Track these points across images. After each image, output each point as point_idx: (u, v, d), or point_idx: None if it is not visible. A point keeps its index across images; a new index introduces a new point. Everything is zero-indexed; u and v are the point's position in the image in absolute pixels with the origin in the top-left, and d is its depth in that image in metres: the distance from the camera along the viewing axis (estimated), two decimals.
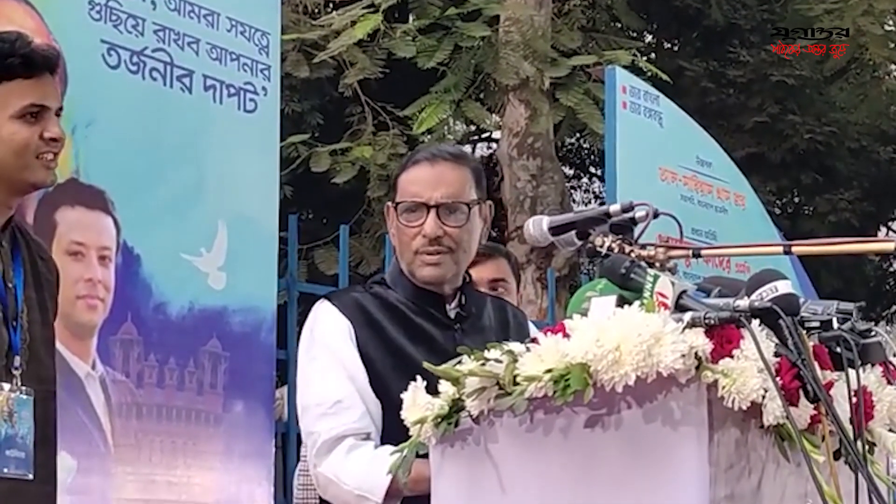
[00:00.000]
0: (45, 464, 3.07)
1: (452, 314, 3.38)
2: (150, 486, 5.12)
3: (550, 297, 8.83)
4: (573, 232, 2.86)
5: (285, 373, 6.24)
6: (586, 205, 15.73)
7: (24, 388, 3.03)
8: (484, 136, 14.29)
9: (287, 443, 6.22)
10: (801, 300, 2.64)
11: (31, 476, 3.02)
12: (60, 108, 3.12)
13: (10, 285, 3.06)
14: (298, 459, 5.74)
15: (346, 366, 3.25)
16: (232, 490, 5.42)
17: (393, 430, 2.92)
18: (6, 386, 3.00)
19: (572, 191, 16.16)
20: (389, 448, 3.00)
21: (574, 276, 10.76)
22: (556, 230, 2.88)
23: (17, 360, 3.03)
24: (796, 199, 15.62)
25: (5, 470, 2.97)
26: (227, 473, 5.39)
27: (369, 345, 3.27)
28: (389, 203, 3.42)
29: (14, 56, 3.05)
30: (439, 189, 3.32)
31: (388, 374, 3.23)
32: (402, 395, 2.80)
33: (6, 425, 2.98)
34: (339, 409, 3.21)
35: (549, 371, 2.52)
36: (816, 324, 2.66)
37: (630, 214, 2.80)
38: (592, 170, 16.78)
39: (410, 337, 3.30)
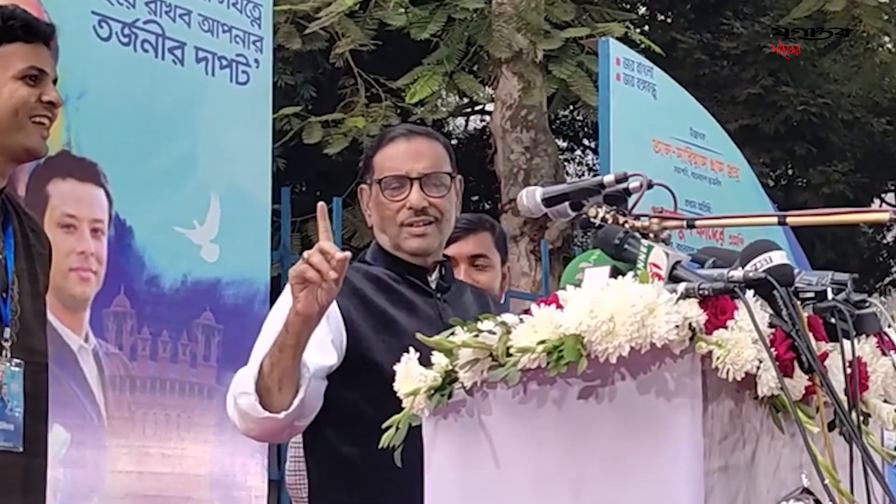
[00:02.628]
0: (35, 436, 3.07)
1: (433, 284, 3.43)
2: (144, 459, 5.12)
3: (544, 269, 8.83)
4: (567, 203, 2.85)
5: None
6: (580, 177, 15.70)
7: (14, 360, 3.03)
8: (477, 108, 14.26)
9: None
10: (796, 271, 2.63)
11: (20, 448, 3.01)
12: (55, 79, 3.16)
13: (0, 257, 3.06)
14: None
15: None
16: (225, 462, 5.42)
17: (378, 395, 2.90)
18: None
19: (566, 163, 16.13)
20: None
21: (568, 249, 10.76)
22: (549, 201, 2.87)
23: (7, 332, 3.03)
24: (790, 171, 15.62)
25: None
26: (221, 446, 5.39)
27: (353, 312, 3.28)
28: (364, 185, 3.46)
29: (15, 19, 3.11)
30: (420, 162, 3.39)
31: (370, 336, 3.27)
32: (384, 359, 2.82)
33: None
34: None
35: (542, 342, 2.51)
36: (811, 294, 2.66)
37: (624, 185, 2.79)
38: (586, 142, 16.76)
39: (393, 302, 3.34)
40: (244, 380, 3.19)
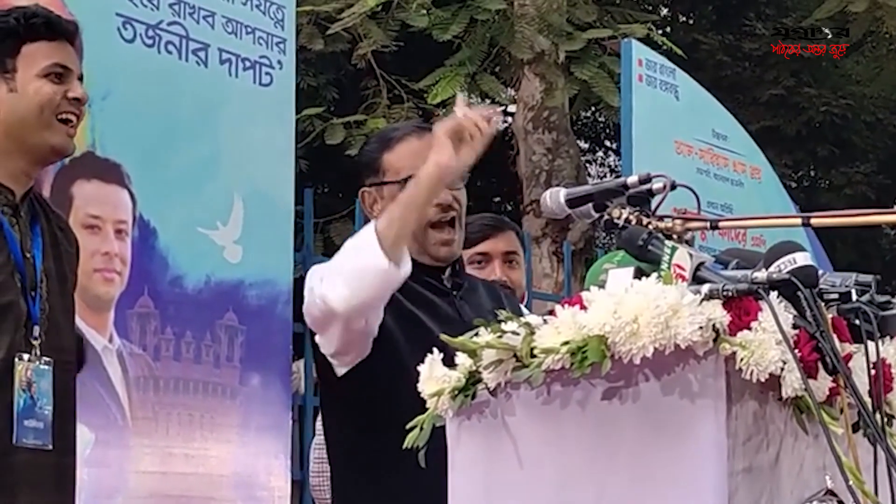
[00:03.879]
0: (64, 434, 3.08)
1: (448, 283, 3.42)
2: (168, 459, 5.13)
3: (567, 270, 8.81)
4: (590, 204, 2.85)
5: (302, 346, 6.24)
6: (601, 178, 15.69)
7: (43, 358, 3.03)
8: (499, 109, 14.25)
9: (304, 416, 6.22)
10: (820, 272, 2.63)
11: (50, 447, 3.02)
12: (81, 77, 3.16)
13: (28, 255, 3.06)
14: (315, 433, 5.76)
15: None
16: (249, 463, 5.43)
17: (403, 394, 2.89)
18: (25, 356, 3.00)
19: (587, 165, 16.11)
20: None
21: (590, 250, 10.75)
22: (573, 202, 2.87)
23: (37, 331, 3.03)
24: (812, 173, 15.58)
25: (24, 440, 2.97)
26: (244, 446, 5.40)
27: None
28: (369, 188, 3.46)
29: (37, 17, 3.11)
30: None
31: (398, 336, 3.26)
32: (410, 358, 2.81)
33: (25, 395, 2.98)
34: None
35: (566, 343, 2.51)
36: (835, 296, 2.66)
37: (647, 186, 2.79)
38: (608, 143, 16.73)
39: (412, 301, 3.33)
40: (360, 239, 3.16)
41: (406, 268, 3.12)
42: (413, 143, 3.40)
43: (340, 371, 3.30)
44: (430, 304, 3.35)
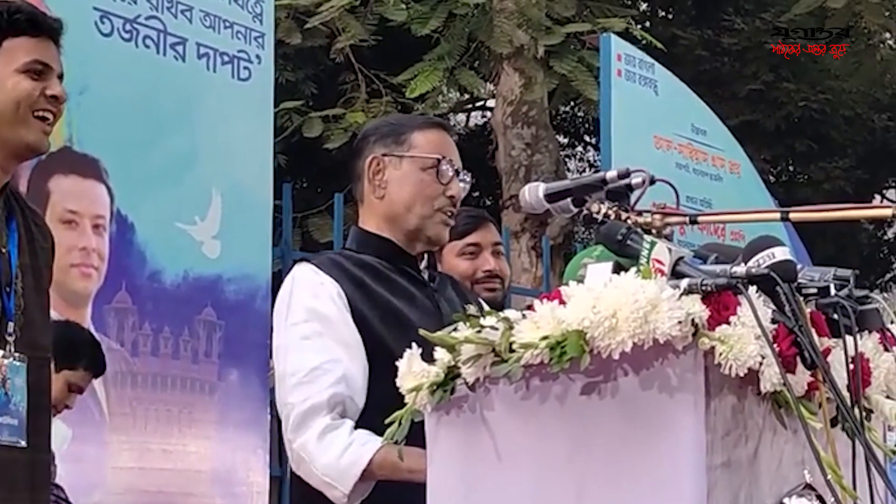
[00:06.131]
0: (39, 431, 3.06)
1: (425, 274, 3.43)
2: (146, 455, 5.13)
3: (545, 265, 8.82)
4: (569, 199, 2.85)
5: None
6: (581, 173, 15.70)
7: (17, 354, 3.02)
8: (478, 104, 14.26)
9: None
10: (799, 267, 2.63)
11: (23, 443, 3.01)
12: (61, 76, 3.14)
13: (3, 251, 3.05)
14: None
15: (331, 326, 3.23)
16: (227, 458, 5.42)
17: (388, 389, 2.87)
18: (0, 352, 2.99)
19: (567, 159, 16.13)
20: (364, 433, 3.08)
21: (569, 245, 10.75)
22: (552, 197, 2.86)
23: (11, 327, 3.02)
24: (791, 167, 15.62)
25: None
26: (223, 442, 5.40)
27: (358, 301, 3.26)
28: (389, 155, 3.39)
29: (21, 13, 3.09)
30: (455, 155, 3.42)
31: (380, 329, 3.24)
32: (394, 350, 2.81)
33: None
34: (315, 377, 3.18)
35: (545, 338, 2.50)
36: (814, 290, 2.65)
37: (626, 181, 2.78)
38: (587, 138, 16.75)
39: (392, 292, 3.31)
40: (339, 469, 3.14)
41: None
42: (443, 135, 3.43)
43: None
44: (410, 296, 3.34)
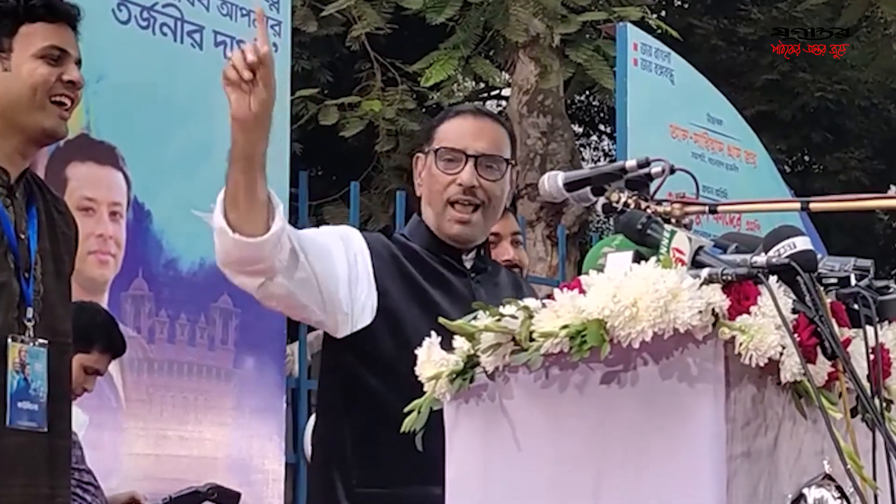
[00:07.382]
0: (59, 417, 3.06)
1: (468, 264, 3.41)
2: (162, 441, 5.14)
3: (561, 254, 8.81)
4: (588, 188, 2.85)
5: (296, 329, 6.24)
6: (596, 162, 15.68)
7: (38, 339, 3.02)
8: (493, 93, 14.24)
9: (298, 398, 6.22)
10: (819, 257, 2.62)
11: (45, 428, 3.01)
12: (79, 61, 3.14)
13: (22, 237, 3.05)
14: (309, 415, 5.76)
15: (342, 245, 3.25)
16: (243, 445, 5.43)
17: (407, 368, 2.86)
18: (18, 337, 2.99)
19: (582, 148, 16.11)
20: None
21: (584, 234, 10.75)
22: (571, 186, 2.86)
23: (30, 312, 3.02)
24: (806, 158, 15.58)
25: (18, 422, 2.96)
26: (238, 429, 5.40)
27: (386, 276, 3.27)
28: (420, 153, 3.43)
29: None
30: (480, 141, 3.37)
31: (404, 310, 3.24)
32: (415, 332, 2.80)
33: (19, 377, 2.97)
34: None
35: (565, 327, 2.50)
36: (834, 280, 2.65)
37: (646, 170, 2.77)
38: (602, 127, 16.72)
39: (426, 276, 3.33)
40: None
41: (251, 236, 3.09)
42: (465, 122, 3.41)
43: (341, 333, 3.28)
44: (446, 283, 3.34)
